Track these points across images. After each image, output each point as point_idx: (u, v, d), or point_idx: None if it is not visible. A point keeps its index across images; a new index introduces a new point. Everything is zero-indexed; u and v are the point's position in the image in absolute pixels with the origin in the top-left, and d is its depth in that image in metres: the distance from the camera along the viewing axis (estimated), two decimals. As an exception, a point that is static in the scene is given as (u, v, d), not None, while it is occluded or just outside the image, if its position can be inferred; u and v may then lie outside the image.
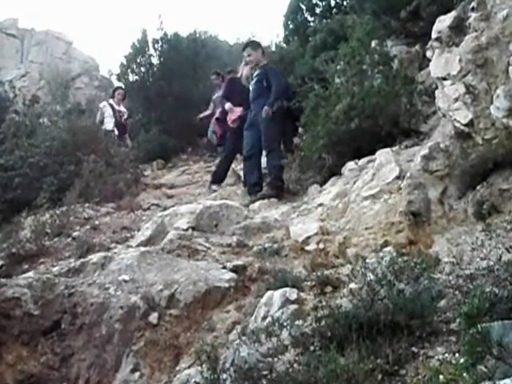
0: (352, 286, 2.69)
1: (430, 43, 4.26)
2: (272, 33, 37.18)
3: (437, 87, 4.11)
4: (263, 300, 3.10)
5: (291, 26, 9.34)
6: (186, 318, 3.43)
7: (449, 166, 3.72)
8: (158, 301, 3.52)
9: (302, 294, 3.09)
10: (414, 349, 2.19)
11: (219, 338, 3.13)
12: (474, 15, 3.72)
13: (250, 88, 6.60)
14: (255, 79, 6.51)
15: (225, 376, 2.29)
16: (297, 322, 2.63)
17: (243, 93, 6.85)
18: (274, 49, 10.15)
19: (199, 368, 2.44)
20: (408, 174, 3.91)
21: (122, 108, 9.66)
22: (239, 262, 3.87)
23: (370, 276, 2.48)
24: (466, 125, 3.63)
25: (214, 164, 8.85)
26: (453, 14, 4.06)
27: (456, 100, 3.72)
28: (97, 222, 5.46)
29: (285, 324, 2.49)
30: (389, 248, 3.41)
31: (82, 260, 4.19)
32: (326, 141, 5.29)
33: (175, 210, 4.96)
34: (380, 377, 2.06)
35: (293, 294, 3.04)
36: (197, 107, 10.42)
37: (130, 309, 3.47)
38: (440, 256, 3.01)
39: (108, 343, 3.41)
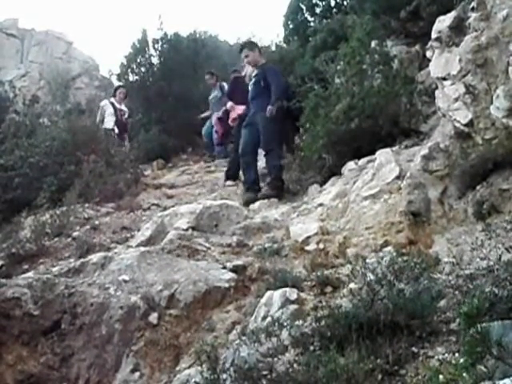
0: (352, 285, 2.69)
1: (429, 43, 4.26)
2: (272, 33, 37.16)
3: (437, 87, 4.11)
4: (263, 300, 3.10)
5: (291, 26, 9.33)
6: (185, 317, 3.43)
7: (449, 165, 3.72)
8: (158, 301, 3.52)
9: (302, 294, 3.09)
10: (414, 349, 2.19)
11: (219, 337, 3.12)
12: (473, 15, 3.72)
13: (249, 88, 6.62)
14: (253, 79, 6.54)
15: (225, 376, 2.29)
16: (297, 322, 2.63)
17: (247, 92, 6.87)
18: (274, 49, 10.17)
19: (199, 368, 2.43)
20: (408, 174, 3.91)
21: (123, 107, 9.67)
22: (239, 262, 3.88)
23: (370, 276, 2.48)
24: (465, 125, 3.63)
25: (213, 164, 8.86)
26: (453, 13, 4.06)
27: (456, 100, 3.72)
28: (97, 222, 5.46)
29: (285, 324, 2.48)
30: (389, 248, 3.41)
31: (82, 260, 4.19)
32: (325, 141, 5.30)
33: (175, 210, 4.97)
34: (380, 377, 2.06)
35: (293, 294, 3.04)
36: (197, 107, 10.43)
37: (130, 309, 3.47)
38: (440, 256, 3.02)
39: (108, 343, 3.41)
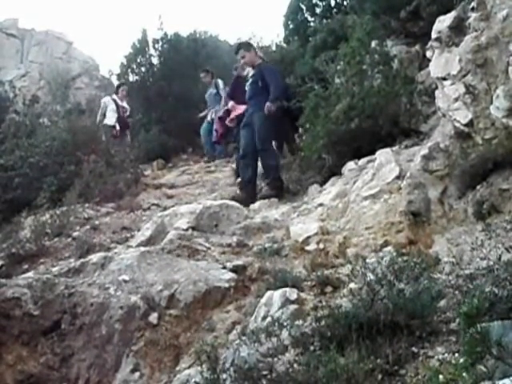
0: (352, 285, 2.69)
1: (429, 43, 4.26)
2: (272, 33, 37.20)
3: (437, 87, 4.11)
4: (263, 300, 3.10)
5: (291, 26, 9.34)
6: (185, 318, 3.43)
7: (449, 165, 3.72)
8: (158, 301, 3.52)
9: (302, 294, 3.09)
10: (413, 349, 2.19)
11: (219, 337, 3.12)
12: (473, 15, 3.72)
13: (246, 88, 6.62)
14: (251, 80, 6.53)
15: (225, 376, 2.29)
16: (297, 322, 2.62)
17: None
18: (274, 49, 10.17)
19: (199, 368, 2.43)
20: (408, 174, 3.91)
21: (125, 104, 9.69)
22: (239, 262, 3.88)
23: (370, 276, 2.48)
24: (465, 125, 3.63)
25: (213, 164, 8.86)
26: (453, 14, 4.06)
27: (456, 100, 3.72)
28: (97, 222, 5.46)
29: (285, 324, 2.48)
30: (389, 248, 3.42)
31: (82, 260, 4.19)
32: (325, 141, 5.30)
33: (175, 210, 4.96)
34: (380, 377, 2.06)
35: (293, 294, 3.04)
36: (197, 107, 10.44)
37: (130, 309, 3.47)
38: (440, 256, 3.02)
39: (108, 343, 3.41)
